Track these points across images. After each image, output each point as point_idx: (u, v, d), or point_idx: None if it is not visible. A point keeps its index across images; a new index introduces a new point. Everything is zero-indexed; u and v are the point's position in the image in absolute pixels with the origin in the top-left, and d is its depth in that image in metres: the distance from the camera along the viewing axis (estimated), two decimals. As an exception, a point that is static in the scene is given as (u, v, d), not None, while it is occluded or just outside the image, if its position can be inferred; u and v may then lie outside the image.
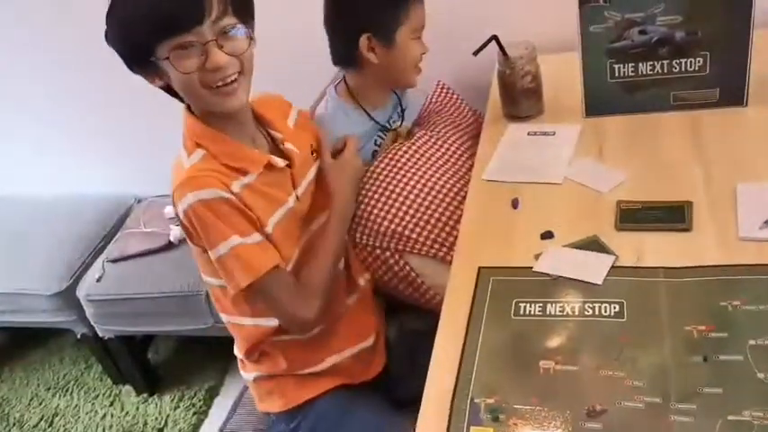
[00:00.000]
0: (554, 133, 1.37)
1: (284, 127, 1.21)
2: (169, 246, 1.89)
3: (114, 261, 1.91)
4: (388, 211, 1.27)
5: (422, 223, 1.27)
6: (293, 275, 1.13)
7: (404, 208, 1.27)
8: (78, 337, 2.03)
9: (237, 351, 1.26)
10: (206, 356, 2.10)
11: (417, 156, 1.35)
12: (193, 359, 2.13)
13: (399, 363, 1.31)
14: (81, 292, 1.89)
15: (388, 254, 1.27)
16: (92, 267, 1.95)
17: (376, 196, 1.28)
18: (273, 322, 1.16)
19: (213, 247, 1.04)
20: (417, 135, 1.39)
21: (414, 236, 1.26)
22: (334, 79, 1.45)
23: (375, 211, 1.27)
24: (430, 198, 1.29)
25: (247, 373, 1.26)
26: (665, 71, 1.29)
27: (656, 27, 1.25)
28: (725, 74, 1.27)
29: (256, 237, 1.07)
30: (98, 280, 1.87)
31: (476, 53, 1.35)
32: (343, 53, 1.35)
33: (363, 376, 1.27)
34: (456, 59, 1.48)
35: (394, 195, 1.28)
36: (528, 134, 1.39)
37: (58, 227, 2.09)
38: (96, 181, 2.21)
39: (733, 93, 1.28)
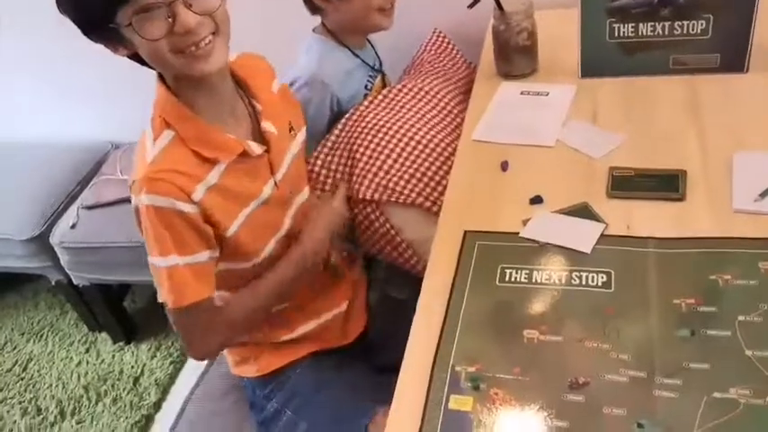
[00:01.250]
0: (548, 94, 1.32)
1: (268, 95, 1.11)
2: (146, 194, 1.83)
3: (89, 208, 1.85)
4: (372, 164, 1.22)
5: (406, 176, 1.21)
6: (217, 310, 1.03)
7: (389, 161, 1.22)
8: (53, 283, 1.99)
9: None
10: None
11: (404, 106, 1.30)
12: (171, 309, 2.11)
13: (380, 329, 1.29)
14: (55, 239, 1.84)
15: (369, 209, 1.23)
16: (66, 213, 1.89)
17: (361, 149, 1.23)
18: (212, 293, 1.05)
19: (150, 255, 0.97)
20: (406, 84, 1.34)
21: (398, 188, 1.20)
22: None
23: (360, 164, 1.22)
24: (417, 150, 1.24)
25: None
26: (666, 33, 1.24)
27: (659, -14, 1.19)
28: (727, 39, 1.22)
29: (200, 257, 0.98)
30: (72, 227, 1.82)
31: (470, 6, 1.29)
32: (305, 1, 1.33)
33: (340, 341, 1.25)
34: (450, 12, 1.42)
35: (379, 148, 1.23)
36: (521, 93, 1.35)
37: (33, 172, 2.02)
38: (73, 126, 2.13)
39: (734, 59, 1.24)
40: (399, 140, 1.24)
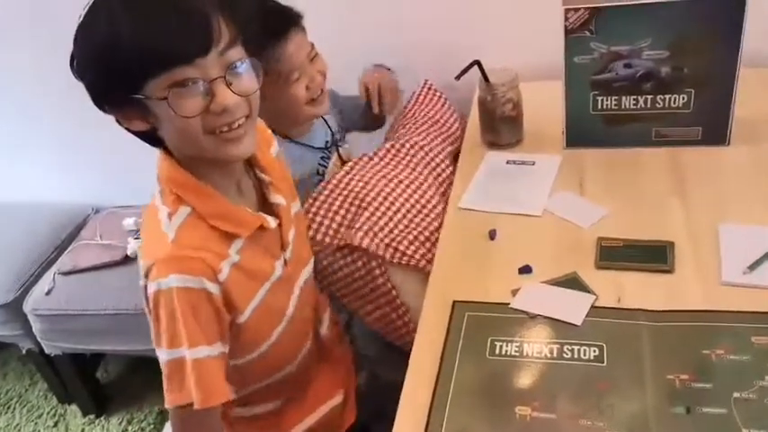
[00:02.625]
0: (533, 163, 1.33)
1: (271, 163, 1.02)
2: (125, 260, 1.79)
3: (66, 273, 1.80)
4: (377, 220, 1.18)
5: (410, 237, 1.19)
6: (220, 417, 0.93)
7: (394, 220, 1.19)
8: (24, 352, 1.91)
9: None
10: (158, 377, 1.97)
11: (406, 163, 1.29)
12: (145, 379, 2.03)
13: (368, 413, 1.22)
14: (28, 306, 1.78)
15: (374, 263, 1.16)
16: (42, 279, 1.84)
17: (368, 199, 1.20)
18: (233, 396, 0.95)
19: (173, 347, 0.84)
20: (407, 140, 1.34)
21: (401, 247, 1.17)
22: None
23: (365, 214, 1.18)
24: (416, 211, 1.23)
25: None
26: (649, 106, 1.27)
27: (641, 61, 1.22)
28: (709, 112, 1.25)
29: (216, 349, 0.87)
30: (47, 293, 1.77)
31: (458, 77, 1.31)
32: None
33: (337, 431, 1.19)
34: (437, 83, 1.44)
35: (386, 204, 1.20)
36: (507, 162, 1.35)
37: (9, 235, 1.98)
38: (52, 189, 2.10)
39: (716, 132, 1.26)
40: (405, 201, 1.23)
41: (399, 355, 1.19)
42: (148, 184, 1.85)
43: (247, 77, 0.84)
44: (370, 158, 1.29)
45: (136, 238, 1.83)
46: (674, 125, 1.27)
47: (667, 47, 1.20)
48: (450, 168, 1.35)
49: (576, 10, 1.19)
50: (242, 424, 1.11)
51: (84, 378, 1.95)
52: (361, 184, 1.23)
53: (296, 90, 1.22)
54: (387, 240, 1.17)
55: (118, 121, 0.85)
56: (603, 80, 1.26)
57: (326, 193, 1.23)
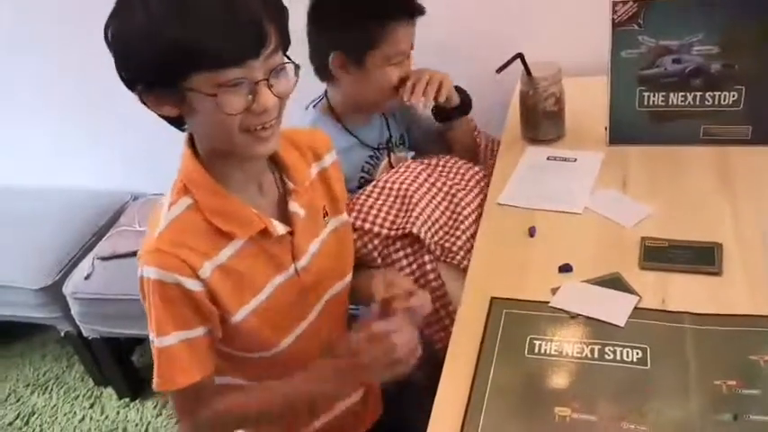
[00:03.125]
0: (575, 160, 1.31)
1: (303, 175, 1.01)
2: (163, 247, 1.81)
3: (105, 259, 1.83)
4: (427, 218, 1.18)
5: (455, 237, 1.19)
6: (210, 399, 0.94)
7: (441, 220, 1.20)
8: (62, 335, 1.95)
9: None
10: (193, 364, 2.02)
11: (444, 171, 1.28)
12: (180, 365, 2.06)
13: (397, 417, 1.21)
14: (68, 289, 1.81)
15: (426, 258, 1.16)
16: (81, 264, 1.87)
17: (417, 196, 1.19)
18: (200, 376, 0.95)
19: (151, 330, 0.90)
20: (438, 158, 1.32)
21: (447, 245, 1.18)
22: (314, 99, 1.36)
23: (417, 210, 1.17)
24: (458, 211, 1.22)
25: None
26: (697, 103, 1.23)
27: (691, 56, 1.19)
28: (759, 111, 1.21)
29: (197, 331, 0.90)
30: (86, 278, 1.80)
31: (499, 70, 1.29)
32: (318, 65, 1.28)
33: (355, 430, 1.18)
34: (478, 76, 1.42)
35: (433, 204, 1.20)
36: (547, 159, 1.33)
37: (51, 220, 2.01)
38: (93, 176, 2.14)
39: (766, 131, 1.22)
40: (449, 202, 1.22)
41: (429, 357, 1.18)
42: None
43: (285, 81, 0.86)
44: (418, 163, 1.28)
45: (173, 226, 1.85)
46: (724, 123, 1.24)
47: (718, 42, 1.16)
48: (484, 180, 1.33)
49: (625, 2, 1.16)
50: None
51: (120, 362, 1.97)
52: (409, 182, 1.22)
53: (391, 73, 1.25)
54: (436, 238, 1.17)
55: (143, 101, 0.85)
56: (651, 75, 1.22)
57: (380, 186, 1.22)
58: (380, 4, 1.22)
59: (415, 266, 1.17)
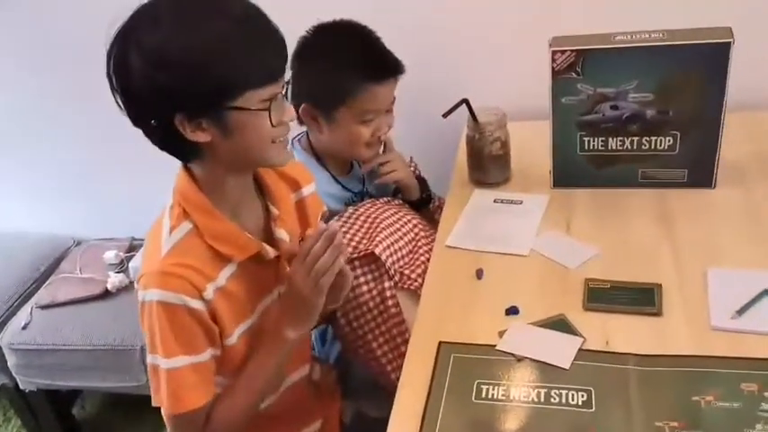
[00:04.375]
0: (521, 202, 1.33)
1: (287, 203, 1.07)
2: (105, 294, 1.76)
3: (44, 307, 1.76)
4: (389, 246, 1.20)
5: (414, 264, 1.22)
6: (210, 417, 0.98)
7: (400, 252, 1.21)
8: (-3, 388, 1.86)
9: None
10: (137, 415, 1.95)
11: (401, 208, 1.31)
12: (123, 417, 1.98)
13: None
14: (4, 340, 1.74)
15: (386, 284, 1.17)
16: (19, 313, 1.80)
17: (383, 225, 1.22)
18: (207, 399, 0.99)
19: (153, 353, 0.93)
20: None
21: (407, 272, 1.20)
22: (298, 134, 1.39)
23: (381, 235, 1.19)
24: (416, 239, 1.25)
25: None
26: (635, 148, 1.27)
27: (627, 103, 1.23)
28: (694, 155, 1.25)
29: (204, 356, 0.94)
30: (24, 327, 1.73)
31: (445, 115, 1.32)
32: (296, 111, 1.30)
33: None
34: (425, 121, 1.44)
35: (397, 235, 1.22)
36: (494, 201, 1.35)
37: (-11, 265, 1.94)
38: (33, 220, 2.07)
39: (702, 174, 1.27)
40: (408, 231, 1.25)
41: (387, 393, 1.17)
42: (131, 217, 1.84)
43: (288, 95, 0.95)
44: (386, 200, 1.32)
45: (117, 272, 1.80)
46: (661, 167, 1.28)
47: (653, 90, 1.21)
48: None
49: (563, 52, 1.20)
50: None
51: (59, 415, 1.89)
52: (376, 213, 1.25)
53: (363, 129, 1.28)
54: (396, 266, 1.19)
55: (167, 134, 0.87)
56: (590, 121, 1.26)
57: (347, 215, 1.25)
58: (356, 60, 1.24)
59: (375, 292, 1.18)
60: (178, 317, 0.90)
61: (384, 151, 1.37)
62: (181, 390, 0.93)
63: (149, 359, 0.94)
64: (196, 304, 0.91)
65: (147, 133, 0.91)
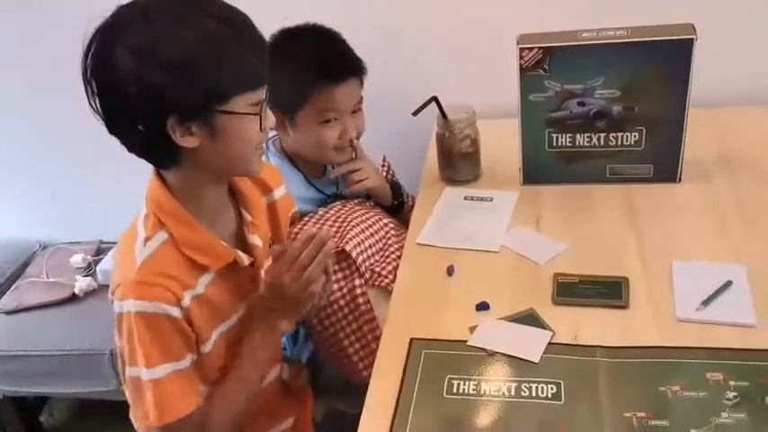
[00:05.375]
0: (491, 199, 1.34)
1: (259, 208, 1.07)
2: (73, 298, 1.73)
3: (9, 313, 1.73)
4: (360, 242, 1.20)
5: (389, 259, 1.22)
6: (202, 416, 0.97)
7: (371, 249, 1.21)
8: (-39, 395, 1.82)
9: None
10: (107, 422, 1.90)
11: (371, 209, 1.31)
12: (92, 423, 1.95)
13: None
14: (-32, 347, 1.69)
15: (357, 282, 1.17)
16: (-17, 319, 1.75)
17: (354, 222, 1.22)
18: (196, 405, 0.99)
19: (133, 365, 0.91)
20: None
21: (378, 269, 1.20)
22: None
23: (352, 232, 1.20)
24: (387, 236, 1.26)
25: None
26: (602, 144, 1.29)
27: (594, 100, 1.25)
28: (660, 150, 1.27)
29: (185, 362, 0.93)
30: (-12, 333, 1.69)
31: (415, 113, 1.32)
32: None
33: None
34: (394, 120, 1.44)
35: (368, 231, 1.22)
36: (464, 198, 1.35)
37: (-49, 271, 1.89)
38: (-1, 222, 2.03)
39: (667, 169, 1.29)
40: (378, 229, 1.25)
41: (359, 390, 1.17)
42: (97, 220, 1.81)
43: None
44: (357, 201, 1.33)
45: (84, 276, 1.77)
46: (627, 162, 1.30)
47: (619, 86, 1.23)
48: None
49: (531, 49, 1.21)
50: None
51: (26, 422, 1.86)
52: (347, 212, 1.25)
53: (327, 132, 1.27)
54: (367, 263, 1.19)
55: (154, 139, 0.85)
56: (558, 118, 1.27)
57: (319, 215, 1.25)
58: (312, 62, 1.23)
59: (345, 290, 1.18)
60: (157, 326, 0.89)
61: (355, 158, 1.36)
62: (167, 399, 0.91)
63: (129, 372, 0.92)
64: (174, 312, 0.90)
65: (126, 139, 0.89)
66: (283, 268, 0.96)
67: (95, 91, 0.85)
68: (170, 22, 0.82)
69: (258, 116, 0.89)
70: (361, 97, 1.30)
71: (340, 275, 1.18)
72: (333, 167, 1.39)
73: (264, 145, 0.96)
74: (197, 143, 0.87)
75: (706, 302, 1.01)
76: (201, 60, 0.82)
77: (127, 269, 0.91)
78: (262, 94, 0.89)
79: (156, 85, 0.81)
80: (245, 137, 0.89)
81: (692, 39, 1.16)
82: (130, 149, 0.90)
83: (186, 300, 0.91)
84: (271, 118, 0.93)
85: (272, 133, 1.34)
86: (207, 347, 0.96)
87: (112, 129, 0.88)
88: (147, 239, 0.92)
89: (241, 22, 0.87)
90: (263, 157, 0.99)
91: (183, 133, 0.86)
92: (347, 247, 1.16)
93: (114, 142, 0.90)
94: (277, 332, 1.01)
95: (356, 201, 1.34)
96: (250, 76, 0.87)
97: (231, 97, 0.86)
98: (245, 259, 0.99)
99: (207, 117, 0.85)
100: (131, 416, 0.95)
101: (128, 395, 0.95)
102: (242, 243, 1.02)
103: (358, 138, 1.32)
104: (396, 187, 1.44)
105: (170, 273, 0.90)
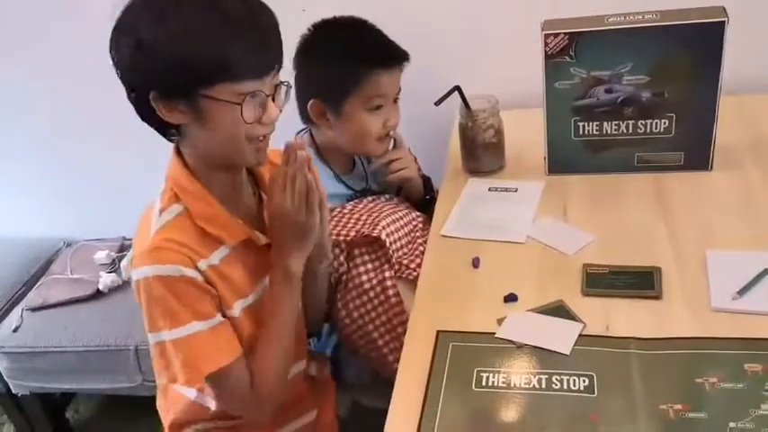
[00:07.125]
0: (516, 190, 1.31)
1: None
2: (97, 294, 1.74)
3: (34, 310, 1.73)
4: (392, 232, 1.19)
5: (417, 252, 1.22)
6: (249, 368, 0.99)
7: (400, 241, 1.20)
8: (-11, 392, 1.83)
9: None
10: (132, 418, 1.92)
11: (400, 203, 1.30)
12: (117, 419, 1.95)
13: None
14: (-6, 343, 1.71)
15: (387, 274, 1.16)
16: (9, 315, 1.76)
17: (383, 214, 1.21)
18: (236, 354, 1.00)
19: (154, 331, 0.92)
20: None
21: (405, 261, 1.19)
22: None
23: (383, 222, 1.19)
24: (416, 235, 1.25)
25: None
26: (630, 132, 1.26)
27: (622, 86, 1.22)
28: (690, 137, 1.24)
29: (216, 319, 0.94)
30: (14, 330, 1.70)
31: (437, 103, 1.30)
32: (301, 111, 1.28)
33: None
34: (416, 110, 1.42)
35: (394, 225, 1.21)
36: (489, 189, 1.33)
37: (-23, 269, 1.90)
38: (23, 221, 2.04)
39: (698, 157, 1.25)
40: (407, 222, 1.24)
41: (385, 384, 1.16)
42: (121, 217, 1.81)
43: (282, 98, 0.95)
44: (386, 197, 1.33)
45: (108, 272, 1.78)
46: (657, 150, 1.26)
47: (647, 72, 1.19)
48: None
49: (556, 35, 1.19)
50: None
51: (52, 419, 1.87)
52: (379, 207, 1.25)
53: (373, 119, 1.26)
54: (397, 254, 1.18)
55: (145, 109, 0.88)
56: (585, 105, 1.25)
57: (350, 208, 1.24)
58: (360, 49, 1.22)
59: (375, 281, 1.17)
60: (178, 286, 0.90)
61: (394, 148, 1.34)
62: (203, 353, 0.92)
63: (152, 339, 0.93)
64: (192, 273, 0.91)
65: (133, 105, 0.92)
66: (278, 196, 0.96)
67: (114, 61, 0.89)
68: (169, 2, 0.85)
69: (239, 105, 0.87)
70: (401, 88, 1.29)
71: (370, 266, 1.17)
72: (362, 162, 1.37)
73: (267, 137, 0.95)
74: (186, 121, 0.90)
75: (742, 292, 0.98)
76: (183, 44, 0.84)
77: (142, 238, 0.94)
78: (259, 86, 0.88)
79: (138, 61, 0.85)
80: (230, 125, 0.89)
81: (724, 21, 1.13)
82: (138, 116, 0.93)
83: (202, 265, 0.93)
84: (271, 113, 0.91)
85: (299, 127, 1.34)
86: (233, 313, 0.97)
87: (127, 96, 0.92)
88: (162, 210, 0.94)
89: (246, 13, 0.86)
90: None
91: (168, 109, 0.88)
92: (382, 235, 1.15)
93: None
94: (288, 275, 0.99)
95: (387, 196, 1.32)
96: (240, 66, 0.86)
97: (215, 83, 0.86)
98: (261, 238, 1.00)
99: (192, 98, 0.87)
100: (159, 379, 0.97)
101: (154, 366, 0.95)
102: (261, 224, 1.03)
103: (394, 129, 1.31)
104: (426, 181, 1.42)
105: (184, 242, 0.92)
